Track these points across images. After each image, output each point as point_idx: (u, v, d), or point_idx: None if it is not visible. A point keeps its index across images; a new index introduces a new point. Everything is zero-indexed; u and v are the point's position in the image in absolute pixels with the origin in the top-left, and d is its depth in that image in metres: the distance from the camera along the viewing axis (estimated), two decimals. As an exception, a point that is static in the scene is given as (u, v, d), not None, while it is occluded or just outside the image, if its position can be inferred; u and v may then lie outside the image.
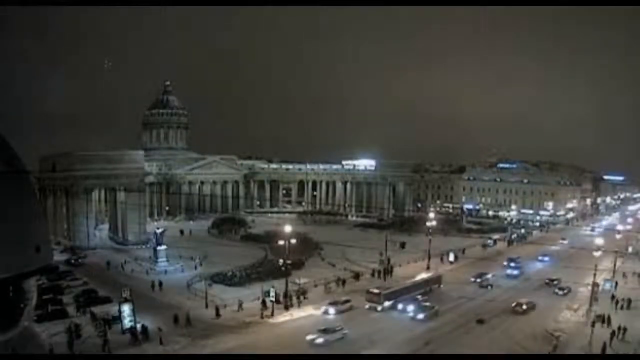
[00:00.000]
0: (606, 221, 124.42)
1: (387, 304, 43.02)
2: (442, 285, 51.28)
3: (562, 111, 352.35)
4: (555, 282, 52.26)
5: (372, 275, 56.43)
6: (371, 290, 44.82)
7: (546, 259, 67.08)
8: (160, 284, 48.77)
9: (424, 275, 53.74)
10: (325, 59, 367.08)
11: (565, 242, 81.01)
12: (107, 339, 33.50)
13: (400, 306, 42.94)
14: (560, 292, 49.54)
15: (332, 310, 41.98)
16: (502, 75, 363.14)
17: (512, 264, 60.13)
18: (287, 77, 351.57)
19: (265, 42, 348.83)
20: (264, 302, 42.61)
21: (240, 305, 42.50)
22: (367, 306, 43.33)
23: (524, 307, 42.66)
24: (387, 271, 57.83)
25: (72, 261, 62.05)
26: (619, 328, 36.32)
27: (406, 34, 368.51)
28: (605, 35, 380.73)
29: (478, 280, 53.13)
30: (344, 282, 51.61)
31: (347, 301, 43.63)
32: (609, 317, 38.77)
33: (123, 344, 34.13)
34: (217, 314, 40.70)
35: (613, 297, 45.66)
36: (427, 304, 43.34)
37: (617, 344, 34.82)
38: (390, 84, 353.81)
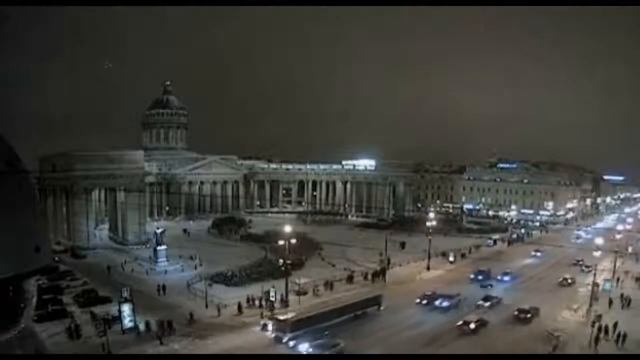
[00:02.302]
0: (602, 223, 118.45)
1: (293, 334, 34.33)
2: (382, 307, 42.41)
3: (562, 111, 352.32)
4: (580, 262, 61.30)
5: (365, 278, 54.09)
6: (276, 315, 37.03)
7: (506, 278, 54.72)
8: (164, 287, 47.77)
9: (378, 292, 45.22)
10: (325, 59, 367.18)
11: (538, 254, 71.11)
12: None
13: (291, 343, 33.85)
14: (586, 269, 56.90)
15: (270, 326, 36.69)
16: (502, 76, 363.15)
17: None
18: (287, 77, 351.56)
19: (266, 42, 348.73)
20: (239, 307, 41.84)
21: (219, 310, 41.25)
22: (272, 335, 35.63)
23: (569, 280, 53.14)
24: (381, 273, 54.86)
25: (55, 258, 60.83)
26: (618, 335, 35.05)
27: (406, 34, 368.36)
28: (606, 36, 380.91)
29: (424, 302, 43.95)
30: (331, 284, 49.84)
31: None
32: (606, 327, 36.38)
33: (124, 344, 34.15)
34: (192, 319, 39.02)
35: (611, 301, 44.03)
36: (335, 340, 33.71)
37: (616, 351, 34.27)
38: (391, 84, 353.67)
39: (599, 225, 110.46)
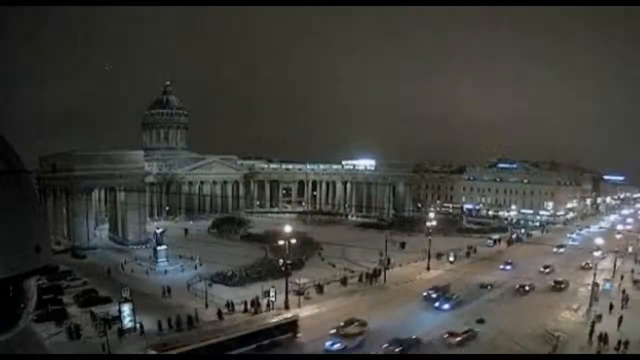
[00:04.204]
0: (595, 226, 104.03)
1: None
2: (299, 335, 35.17)
3: (562, 111, 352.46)
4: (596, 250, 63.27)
5: (360, 280, 52.59)
6: (147, 348, 30.50)
7: (446, 306, 43.60)
8: (169, 289, 46.99)
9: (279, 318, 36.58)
10: (325, 58, 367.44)
11: (508, 268, 60.70)
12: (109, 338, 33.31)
13: None
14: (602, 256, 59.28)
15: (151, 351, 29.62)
16: (502, 76, 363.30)
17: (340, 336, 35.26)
18: (287, 77, 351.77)
19: (266, 42, 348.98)
20: (219, 312, 40.19)
21: (196, 317, 38.67)
22: None
23: (590, 265, 56.90)
24: (375, 274, 53.44)
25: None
26: (619, 342, 33.93)
27: (406, 34, 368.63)
28: (606, 35, 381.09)
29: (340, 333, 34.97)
30: (321, 288, 48.41)
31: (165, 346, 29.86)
32: (606, 335, 34.83)
33: (124, 344, 34.14)
34: (174, 325, 36.75)
35: (612, 305, 42.62)
36: None
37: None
38: (391, 84, 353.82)
39: (593, 228, 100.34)
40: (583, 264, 61.61)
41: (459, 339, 34.61)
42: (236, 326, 34.38)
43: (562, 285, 52.12)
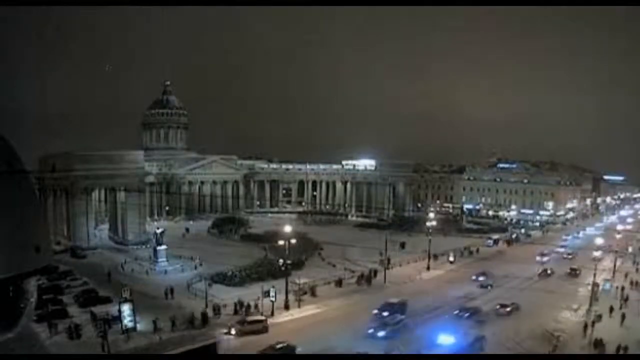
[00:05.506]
0: (592, 229, 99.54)
1: None
2: None
3: (562, 111, 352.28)
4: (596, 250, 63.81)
5: (358, 282, 51.87)
6: None
7: (381, 333, 35.20)
8: (172, 290, 46.51)
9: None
10: (325, 58, 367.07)
11: (481, 279, 52.25)
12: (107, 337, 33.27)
13: None
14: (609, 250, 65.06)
15: None
16: (502, 76, 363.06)
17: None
18: (287, 77, 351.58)
19: (265, 41, 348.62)
20: (205, 316, 38.89)
21: (194, 316, 37.57)
22: None
23: (599, 258, 58.27)
24: (370, 277, 52.77)
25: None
26: (619, 347, 33.24)
27: (406, 34, 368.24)
28: (606, 36, 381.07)
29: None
30: (313, 290, 47.54)
31: None
32: (601, 340, 34.21)
33: (124, 344, 34.10)
34: (157, 328, 36.16)
35: (612, 308, 42.28)
36: None
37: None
38: (391, 84, 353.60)
39: (589, 230, 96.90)
40: (593, 256, 57.88)
41: (508, 309, 41.35)
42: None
43: (577, 272, 58.01)
